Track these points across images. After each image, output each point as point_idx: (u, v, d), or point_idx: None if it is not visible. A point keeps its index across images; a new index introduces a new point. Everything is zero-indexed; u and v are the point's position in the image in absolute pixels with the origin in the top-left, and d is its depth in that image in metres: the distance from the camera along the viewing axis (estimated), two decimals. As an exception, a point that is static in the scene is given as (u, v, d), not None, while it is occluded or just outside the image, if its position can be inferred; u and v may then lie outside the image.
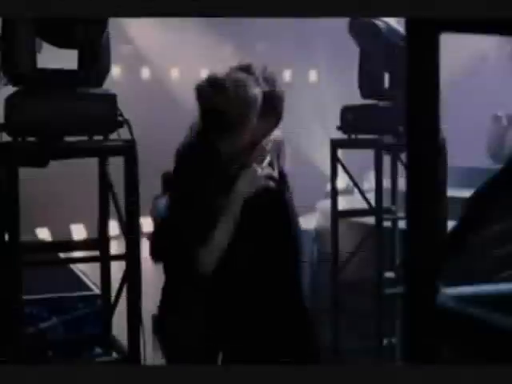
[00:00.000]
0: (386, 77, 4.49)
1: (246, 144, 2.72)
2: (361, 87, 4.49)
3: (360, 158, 5.58)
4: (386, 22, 4.31)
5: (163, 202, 3.20)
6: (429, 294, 1.12)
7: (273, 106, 2.80)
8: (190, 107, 2.91)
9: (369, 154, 4.59)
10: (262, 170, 2.71)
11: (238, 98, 2.68)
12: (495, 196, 1.03)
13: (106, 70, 3.16)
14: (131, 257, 3.19)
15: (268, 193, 2.68)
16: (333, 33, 9.30)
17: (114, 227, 3.56)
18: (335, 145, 4.66)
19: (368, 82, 4.48)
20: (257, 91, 2.71)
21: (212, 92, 2.71)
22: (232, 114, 2.69)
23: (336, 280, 4.68)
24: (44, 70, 3.05)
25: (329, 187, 4.89)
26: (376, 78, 4.45)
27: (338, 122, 4.64)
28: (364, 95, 4.51)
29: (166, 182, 3.56)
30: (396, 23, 4.29)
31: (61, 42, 3.13)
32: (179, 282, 3.05)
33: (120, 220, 3.22)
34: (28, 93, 3.04)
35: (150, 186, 3.27)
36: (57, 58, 3.22)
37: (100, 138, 3.17)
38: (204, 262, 2.66)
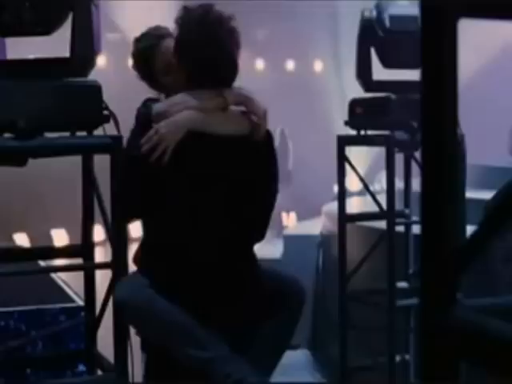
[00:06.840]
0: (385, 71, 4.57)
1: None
2: (358, 80, 4.61)
3: (370, 157, 5.58)
4: (379, 12, 4.36)
5: None
6: (445, 305, 1.12)
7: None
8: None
9: (380, 152, 4.58)
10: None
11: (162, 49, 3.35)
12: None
13: (91, 59, 3.16)
14: (118, 265, 3.19)
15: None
16: (335, 23, 9.32)
17: (98, 232, 3.56)
18: (342, 142, 4.66)
19: (359, 75, 4.57)
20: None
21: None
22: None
23: (343, 290, 4.68)
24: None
25: (336, 189, 4.89)
26: (363, 71, 4.53)
27: (345, 117, 4.64)
28: (364, 89, 4.61)
29: None
30: (388, 14, 4.35)
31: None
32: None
33: (106, 224, 3.22)
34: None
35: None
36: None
37: (84, 133, 3.17)
38: None
